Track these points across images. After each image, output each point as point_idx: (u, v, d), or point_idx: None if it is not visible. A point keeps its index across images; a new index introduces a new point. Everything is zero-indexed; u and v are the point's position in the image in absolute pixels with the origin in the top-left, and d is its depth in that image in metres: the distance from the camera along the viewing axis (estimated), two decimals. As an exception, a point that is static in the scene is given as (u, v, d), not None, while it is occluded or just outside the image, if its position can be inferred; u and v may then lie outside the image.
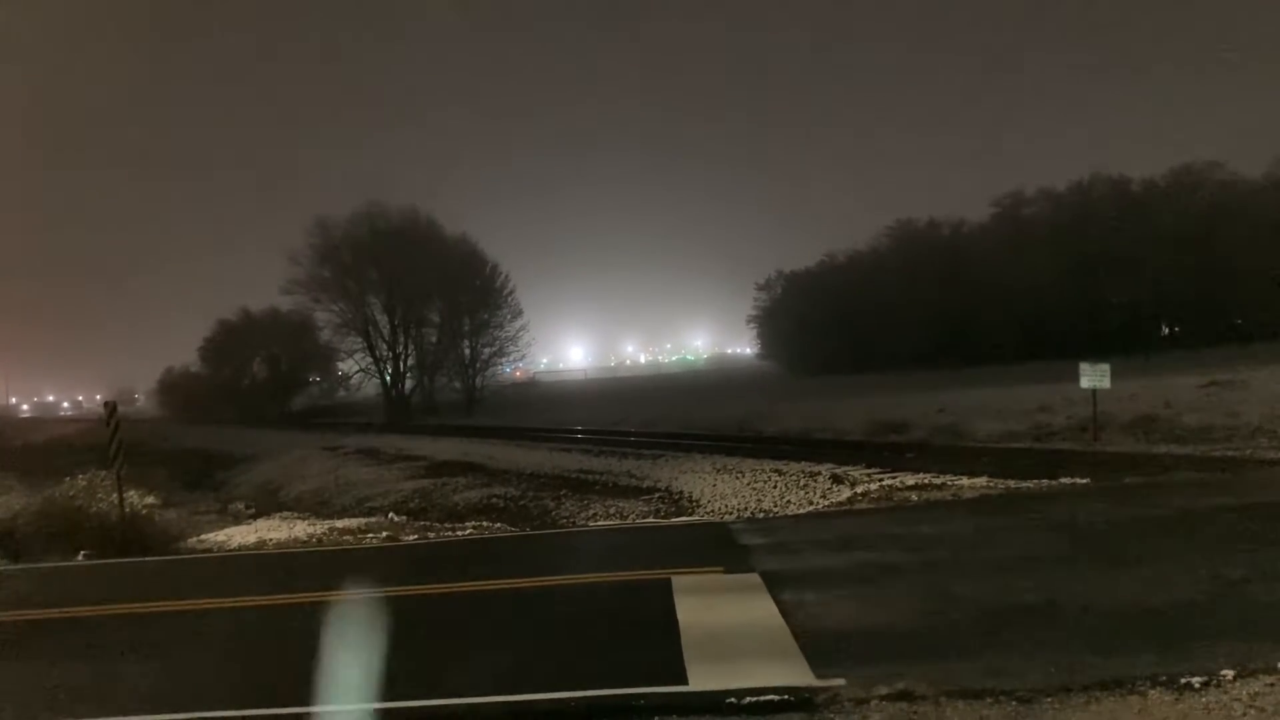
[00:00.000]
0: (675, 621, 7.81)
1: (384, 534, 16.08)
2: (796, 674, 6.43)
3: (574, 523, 18.64)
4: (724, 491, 19.00)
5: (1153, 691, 5.76)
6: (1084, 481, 14.86)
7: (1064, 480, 15.05)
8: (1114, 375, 20.43)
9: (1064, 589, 8.01)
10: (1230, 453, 17.68)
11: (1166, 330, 70.13)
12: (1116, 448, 19.85)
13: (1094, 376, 20.27)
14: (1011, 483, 15.22)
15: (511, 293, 79.35)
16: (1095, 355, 22.81)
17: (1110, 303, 64.92)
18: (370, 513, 22.31)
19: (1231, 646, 6.33)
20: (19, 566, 15.38)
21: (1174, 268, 61.53)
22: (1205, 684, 5.78)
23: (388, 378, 77.87)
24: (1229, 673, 5.89)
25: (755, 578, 9.21)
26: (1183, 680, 5.84)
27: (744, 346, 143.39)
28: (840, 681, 6.20)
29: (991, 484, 15.27)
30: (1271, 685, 5.72)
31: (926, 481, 15.92)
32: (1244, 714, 5.40)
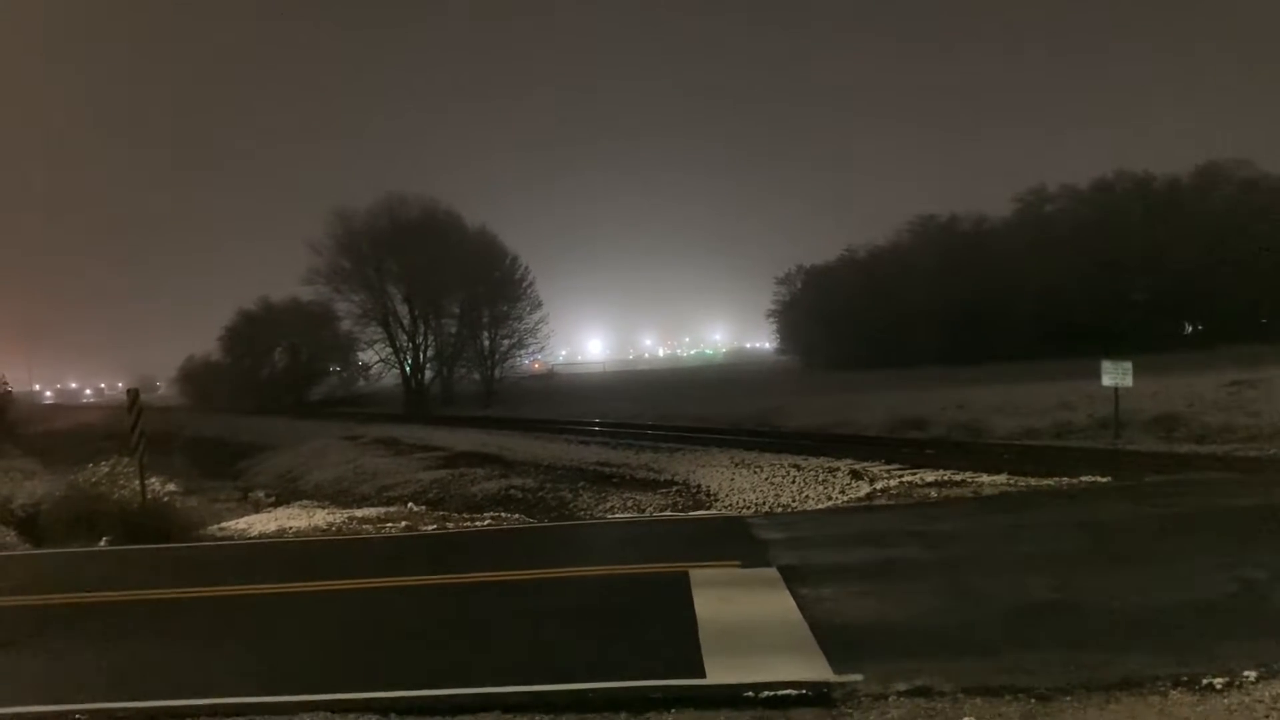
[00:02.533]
0: (693, 615, 7.81)
1: (403, 523, 16.16)
2: (814, 669, 6.42)
3: (591, 515, 18.67)
4: (742, 486, 18.98)
5: (1173, 692, 5.72)
6: (1105, 480, 14.78)
7: (1084, 478, 14.95)
8: (1136, 373, 20.25)
9: (1084, 587, 7.97)
10: (1253, 453, 17.57)
11: (1190, 329, 69.57)
12: (1138, 446, 19.75)
13: (1116, 374, 20.10)
14: (1032, 480, 15.15)
15: (531, 285, 79.57)
16: (1117, 353, 22.57)
17: (1133, 300, 64.44)
18: (389, 502, 22.42)
19: (1254, 647, 6.28)
20: (42, 551, 15.54)
21: (1198, 266, 60.99)
22: (1227, 685, 5.74)
23: (407, 368, 78.22)
24: (1251, 674, 5.85)
25: (773, 572, 9.20)
26: (1204, 681, 5.80)
27: (763, 341, 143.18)
28: (858, 677, 6.19)
29: (1011, 481, 15.20)
30: (1294, 687, 5.68)
31: (946, 478, 15.86)
32: (1266, 715, 5.35)
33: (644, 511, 18.13)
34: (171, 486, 18.85)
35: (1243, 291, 61.04)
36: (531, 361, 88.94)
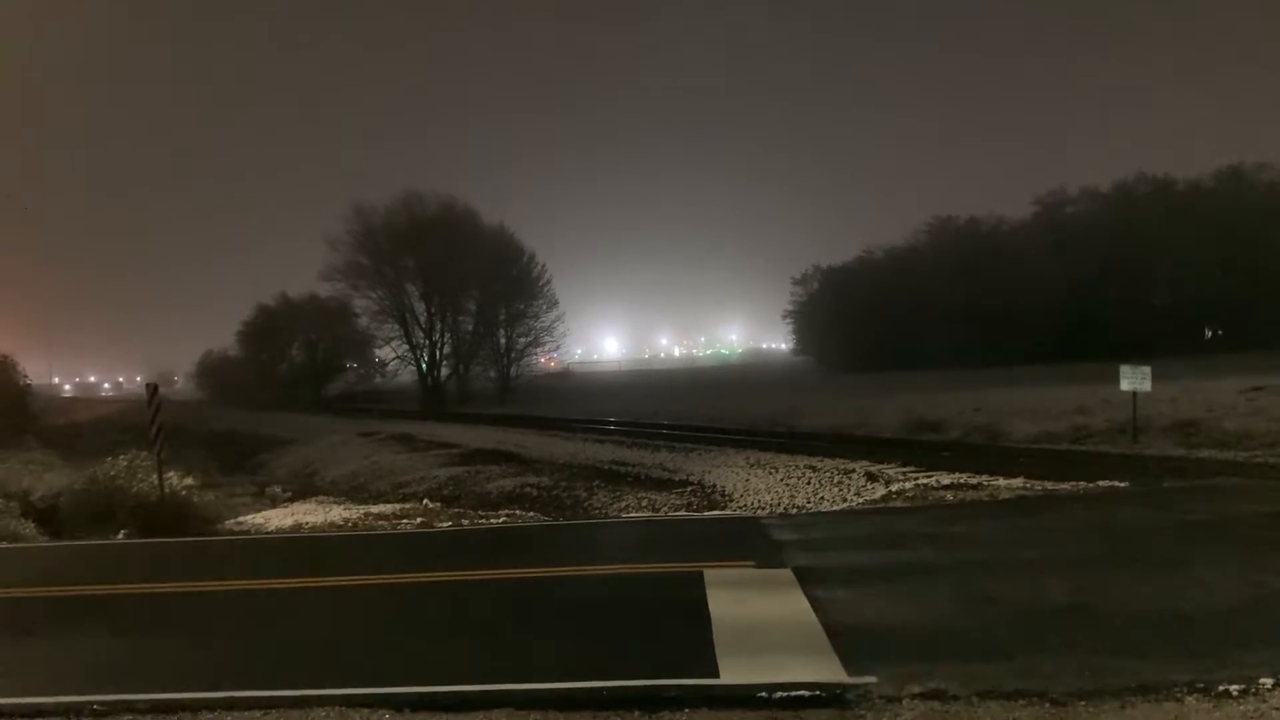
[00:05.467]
0: (707, 614, 7.81)
1: (418, 520, 16.21)
2: (828, 670, 6.42)
3: (606, 513, 18.70)
4: (757, 486, 18.97)
5: (1189, 698, 5.69)
6: (1122, 485, 14.69)
7: (1101, 483, 14.86)
8: (1155, 378, 20.16)
9: (1100, 592, 7.93)
10: (1272, 459, 17.41)
11: (1210, 333, 69.06)
12: (1156, 451, 19.61)
13: (1134, 379, 20.02)
14: (1048, 484, 15.07)
15: (547, 283, 79.73)
16: (1136, 357, 22.50)
17: (1153, 304, 64.07)
18: (405, 499, 22.49)
19: (1271, 654, 6.24)
20: (61, 543, 15.67)
21: (1219, 270, 60.56)
22: (1243, 692, 5.71)
23: (423, 365, 78.48)
24: (1268, 681, 5.81)
25: (788, 573, 9.19)
26: (1220, 687, 5.77)
27: (779, 341, 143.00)
28: (872, 679, 6.18)
29: (1028, 485, 15.13)
30: (1312, 695, 5.64)
31: (962, 481, 15.79)
32: (1283, 723, 5.33)
33: (659, 511, 18.15)
34: (189, 480, 18.95)
35: (1264, 296, 60.51)
36: (546, 359, 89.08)
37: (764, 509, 16.69)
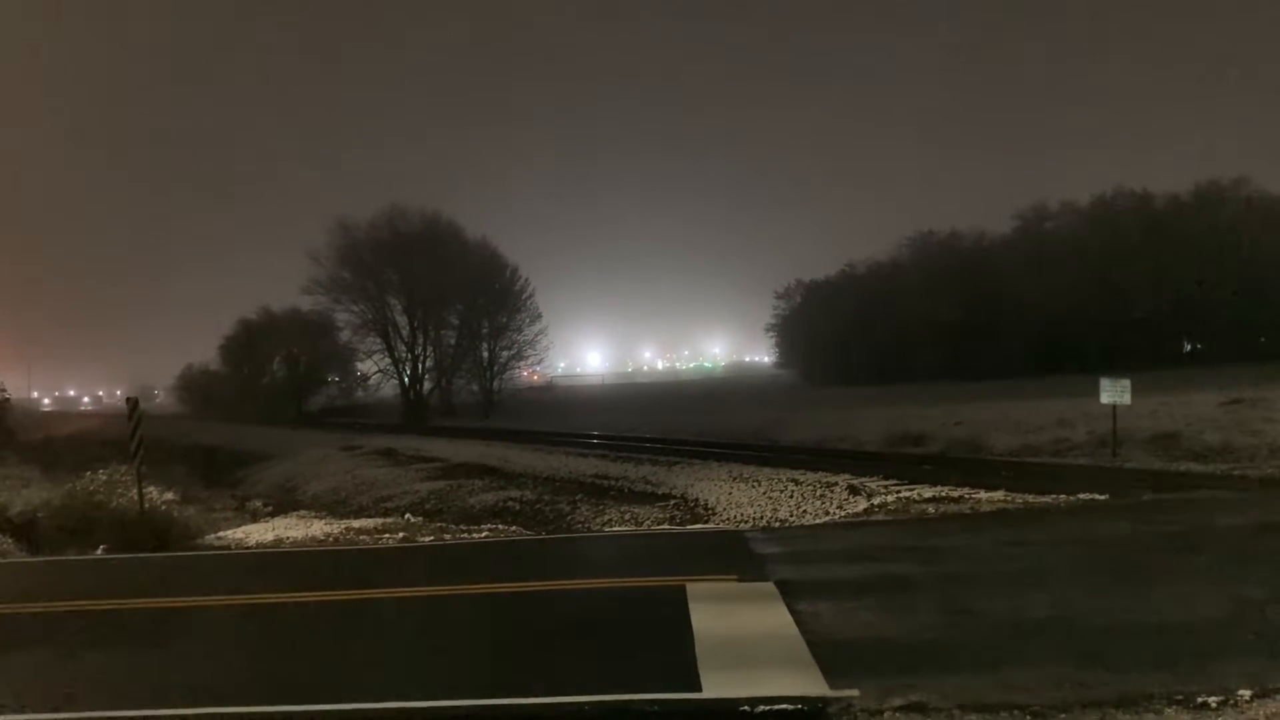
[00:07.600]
0: (689, 628, 7.80)
1: (400, 535, 16.14)
2: (810, 684, 6.41)
3: (589, 528, 18.69)
4: (740, 500, 18.99)
5: (1168, 710, 5.72)
6: (1102, 498, 14.77)
7: (1082, 496, 14.95)
8: (1135, 391, 20.32)
9: (1080, 605, 7.97)
10: (1251, 471, 17.58)
11: (1189, 347, 69.59)
12: (1136, 464, 19.76)
13: (1114, 392, 20.17)
14: (1030, 497, 15.14)
15: (530, 296, 79.72)
16: (1116, 371, 22.68)
17: (1132, 318, 64.51)
18: (387, 513, 22.41)
19: (1249, 666, 6.29)
20: (39, 559, 15.52)
21: (1196, 284, 61.10)
22: (1222, 703, 5.74)
23: (406, 379, 78.27)
24: (1246, 693, 5.85)
25: (770, 587, 9.19)
26: (1199, 699, 5.79)
27: (762, 355, 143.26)
28: (854, 692, 6.18)
29: (1009, 498, 15.20)
30: (1289, 706, 5.68)
31: (944, 494, 15.85)
32: (1261, 734, 5.36)
33: (641, 525, 18.15)
34: (169, 495, 18.83)
35: (1241, 310, 61.08)
36: (529, 373, 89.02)
37: (747, 522, 16.71)
